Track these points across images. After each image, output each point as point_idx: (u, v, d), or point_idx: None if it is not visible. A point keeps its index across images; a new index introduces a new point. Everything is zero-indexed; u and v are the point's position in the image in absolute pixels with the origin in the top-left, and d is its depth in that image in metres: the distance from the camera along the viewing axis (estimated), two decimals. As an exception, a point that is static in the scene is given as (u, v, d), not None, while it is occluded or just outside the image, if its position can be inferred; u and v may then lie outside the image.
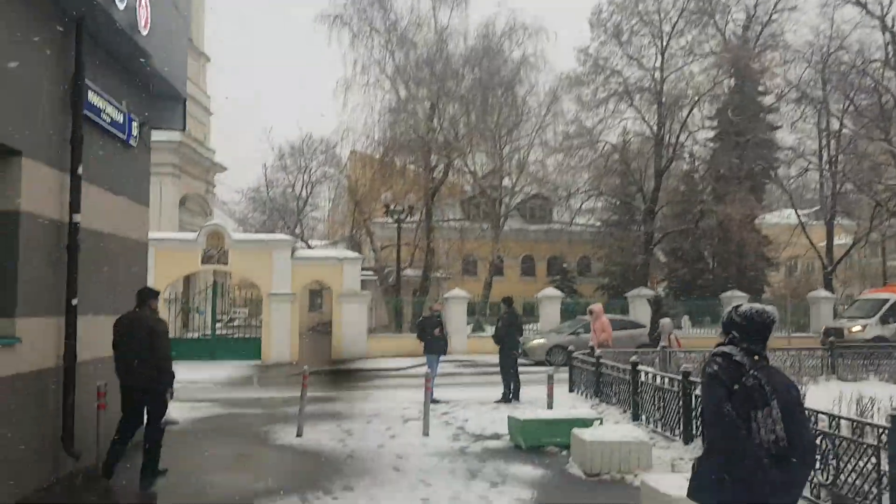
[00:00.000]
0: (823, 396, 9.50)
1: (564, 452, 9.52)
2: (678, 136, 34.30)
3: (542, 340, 24.32)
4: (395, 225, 28.74)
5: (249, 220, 48.84)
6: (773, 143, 37.35)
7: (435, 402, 12.79)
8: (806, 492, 6.39)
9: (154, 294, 8.25)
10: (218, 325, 25.20)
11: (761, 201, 36.92)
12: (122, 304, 8.44)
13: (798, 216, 34.62)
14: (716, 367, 3.62)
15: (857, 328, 25.89)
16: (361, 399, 14.97)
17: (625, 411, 11.50)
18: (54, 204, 7.65)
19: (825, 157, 34.03)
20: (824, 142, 34.15)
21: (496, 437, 10.69)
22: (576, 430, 9.04)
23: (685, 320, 31.74)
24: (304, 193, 45.15)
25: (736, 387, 3.53)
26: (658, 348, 16.27)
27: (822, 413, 6.72)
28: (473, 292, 29.39)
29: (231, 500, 7.62)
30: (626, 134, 35.91)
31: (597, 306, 17.62)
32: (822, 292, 31.25)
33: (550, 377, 12.30)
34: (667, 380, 10.26)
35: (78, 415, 7.75)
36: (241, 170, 72.28)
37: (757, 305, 3.81)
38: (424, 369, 12.97)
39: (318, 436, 10.75)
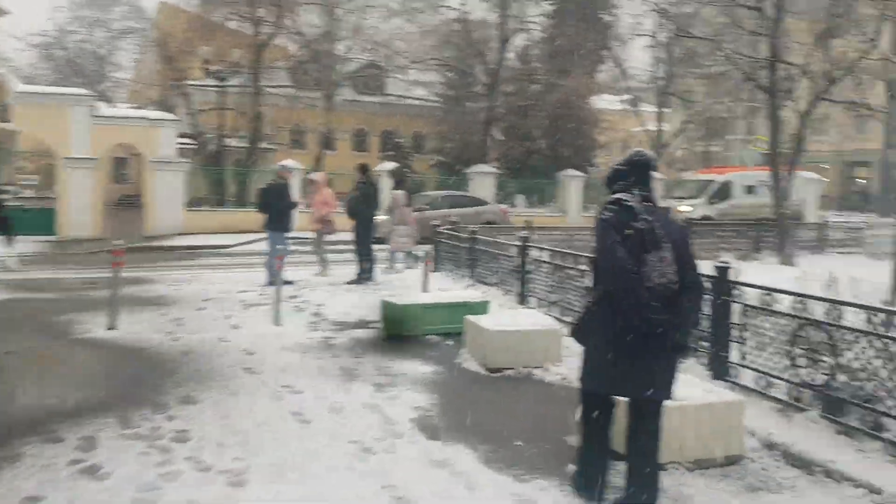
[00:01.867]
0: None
1: (450, 342, 8.04)
2: (524, 6, 32.73)
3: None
4: (216, 88, 25.21)
5: (38, 77, 42.04)
6: (610, 23, 36.96)
7: (288, 283, 10.83)
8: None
9: None
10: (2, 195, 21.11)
11: (596, 81, 36.76)
12: None
13: (633, 97, 34.71)
14: (608, 214, 3.62)
15: (685, 208, 26.53)
16: (187, 281, 12.58)
17: (507, 293, 10.16)
18: None
19: (660, 38, 33.93)
20: (661, 22, 33.91)
21: (364, 324, 8.98)
22: (470, 318, 7.52)
23: (520, 199, 31.37)
24: (103, 52, 39.29)
25: (628, 231, 3.53)
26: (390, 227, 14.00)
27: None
28: (303, 165, 26.83)
29: (21, 423, 5.36)
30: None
31: (318, 175, 14.49)
32: (653, 173, 31.74)
33: (427, 254, 10.65)
34: (559, 258, 8.93)
35: None
36: (30, 16, 62.08)
37: (637, 149, 3.89)
38: (261, 247, 10.78)
39: (137, 327, 8.50)
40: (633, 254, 3.51)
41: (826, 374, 5.02)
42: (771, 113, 15.78)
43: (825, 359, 5.04)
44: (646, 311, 3.48)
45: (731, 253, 16.64)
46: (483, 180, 27.84)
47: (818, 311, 5.27)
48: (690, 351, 5.81)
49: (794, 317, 5.34)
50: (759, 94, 19.56)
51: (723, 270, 6.03)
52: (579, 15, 34.73)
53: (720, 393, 4.92)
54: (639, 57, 36.11)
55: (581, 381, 3.93)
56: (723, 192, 27.30)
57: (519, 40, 35.57)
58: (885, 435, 4.61)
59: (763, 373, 5.61)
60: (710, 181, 27.96)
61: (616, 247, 3.51)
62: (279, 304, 8.97)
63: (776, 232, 15.94)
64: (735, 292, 5.95)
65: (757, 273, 8.68)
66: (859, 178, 51.77)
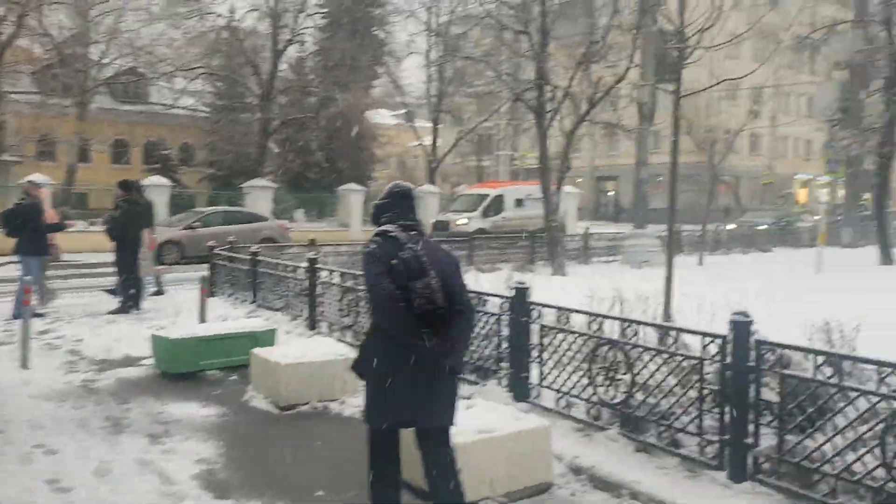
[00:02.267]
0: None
1: (235, 378, 7.36)
2: (296, 17, 32.05)
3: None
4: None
5: None
6: (384, 38, 37.44)
7: (38, 316, 9.41)
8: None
9: None
10: None
11: (372, 96, 37.00)
12: None
13: (408, 113, 35.29)
14: (373, 246, 3.68)
15: (461, 221, 27.38)
16: None
17: (296, 318, 9.58)
18: None
19: (433, 57, 34.90)
20: (433, 41, 34.92)
21: (131, 362, 7.97)
22: (257, 351, 6.90)
23: (299, 214, 30.64)
24: None
25: (394, 261, 3.57)
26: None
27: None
28: (53, 180, 24.12)
29: None
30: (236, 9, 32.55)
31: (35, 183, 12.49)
32: (429, 187, 32.48)
33: (204, 279, 9.74)
34: (350, 279, 8.55)
35: None
36: None
37: (396, 181, 4.00)
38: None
39: None
40: (399, 283, 3.54)
41: (624, 392, 5.10)
42: (539, 131, 16.59)
43: (622, 377, 5.11)
44: (416, 338, 3.52)
45: (509, 264, 17.30)
46: (260, 195, 26.79)
47: (610, 327, 5.37)
48: (463, 373, 5.71)
49: (590, 336, 5.39)
50: (530, 114, 20.63)
51: (521, 291, 5.98)
52: (352, 29, 34.80)
53: (526, 419, 4.80)
54: (413, 73, 36.76)
55: (365, 416, 3.90)
56: (496, 205, 28.53)
57: (293, 51, 34.85)
58: (682, 450, 4.73)
59: (563, 392, 5.62)
60: (484, 195, 29.11)
61: (380, 278, 3.55)
62: (27, 343, 7.71)
63: (548, 243, 16.75)
64: (533, 312, 5.91)
65: (540, 286, 8.84)
66: (609, 191, 57.06)
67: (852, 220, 24.39)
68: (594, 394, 5.33)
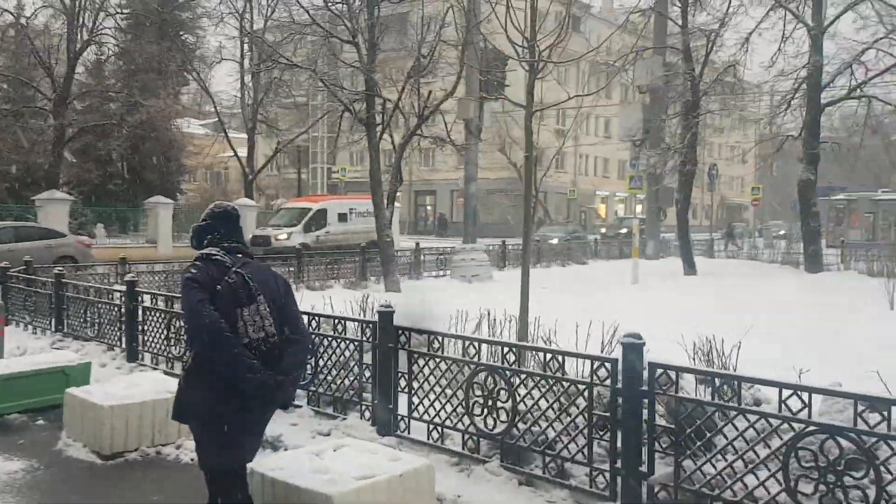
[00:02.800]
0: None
1: (42, 422, 6.29)
2: (95, 16, 29.49)
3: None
4: None
5: None
6: (194, 43, 35.51)
7: None
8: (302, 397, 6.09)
9: None
10: None
11: (180, 104, 34.91)
12: None
13: (221, 122, 33.57)
14: (193, 271, 3.37)
15: (283, 236, 26.33)
16: None
17: (112, 348, 8.43)
18: None
19: (247, 65, 33.48)
20: (247, 48, 33.51)
21: None
22: (73, 391, 5.90)
23: (100, 229, 28.06)
24: None
25: (219, 287, 3.30)
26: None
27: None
28: None
29: None
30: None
31: None
32: (245, 201, 31.04)
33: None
34: (176, 303, 7.64)
35: None
36: None
37: (216, 202, 3.72)
38: None
39: None
40: (226, 310, 3.25)
41: (504, 422, 4.77)
42: (370, 144, 16.19)
43: (503, 404, 4.79)
44: (245, 370, 3.21)
45: (340, 281, 16.71)
46: (54, 208, 24.21)
47: (488, 350, 5.05)
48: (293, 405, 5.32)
49: (467, 362, 5.03)
50: (354, 126, 20.19)
51: (386, 315, 5.51)
52: (158, 32, 32.66)
53: (405, 460, 4.33)
54: (226, 81, 35.07)
55: (199, 461, 3.55)
56: (318, 219, 27.72)
57: (91, 53, 32.06)
58: (571, 482, 4.47)
59: (437, 424, 5.20)
60: (306, 209, 28.21)
61: (203, 306, 3.22)
62: None
63: (381, 259, 16.35)
64: (401, 337, 5.46)
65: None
66: (427, 205, 57.86)
67: (654, 233, 26.18)
68: (471, 424, 4.96)
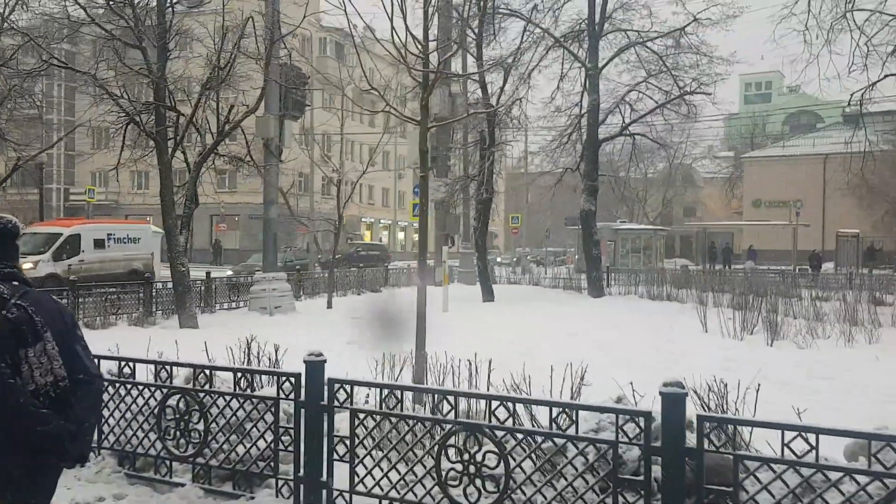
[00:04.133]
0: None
1: None
2: None
3: None
4: None
5: None
6: None
7: None
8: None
9: None
10: None
11: None
12: None
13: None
14: None
15: (27, 265, 22.75)
16: None
17: None
18: None
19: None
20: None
21: None
22: None
23: None
24: None
25: None
26: None
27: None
28: None
29: None
30: None
31: None
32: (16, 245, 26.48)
33: None
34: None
35: None
36: None
37: None
38: None
39: None
40: (6, 351, 2.73)
41: (490, 491, 4.00)
42: (160, 161, 14.38)
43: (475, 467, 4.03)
44: (31, 420, 2.72)
45: (122, 318, 14.57)
46: None
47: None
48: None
49: (440, 421, 4.20)
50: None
51: (316, 365, 4.47)
52: None
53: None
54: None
55: None
56: (70, 246, 24.40)
57: None
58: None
59: (392, 499, 4.26)
60: (56, 234, 24.70)
61: None
62: None
63: (176, 290, 14.48)
64: (339, 393, 4.47)
65: (184, 344, 7.06)
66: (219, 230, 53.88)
67: (440, 260, 26.35)
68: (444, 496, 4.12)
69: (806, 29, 18.49)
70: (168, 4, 14.42)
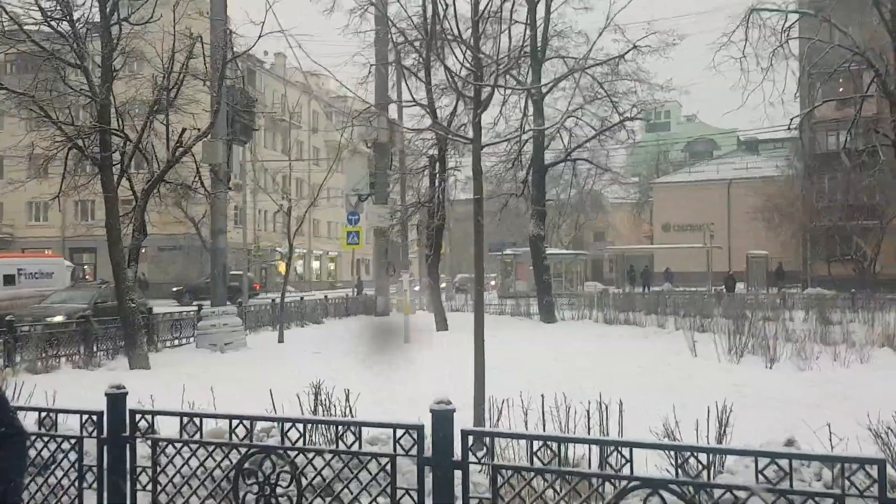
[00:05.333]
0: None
1: None
2: None
3: None
4: None
5: None
6: None
7: None
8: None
9: None
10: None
11: None
12: None
13: None
14: None
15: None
16: None
17: None
18: None
19: None
20: None
21: None
22: None
23: None
24: None
25: None
26: None
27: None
28: None
29: None
30: None
31: None
32: None
33: None
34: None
35: None
36: None
37: None
38: None
39: None
40: None
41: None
42: (106, 189, 13.21)
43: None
44: None
45: (67, 362, 13.23)
46: None
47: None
48: None
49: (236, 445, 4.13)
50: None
51: (116, 398, 4.27)
52: None
53: None
54: None
55: None
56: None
57: None
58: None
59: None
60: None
61: None
62: None
63: (124, 329, 13.25)
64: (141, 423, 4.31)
65: (139, 386, 6.33)
66: (84, 263, 50.79)
67: (383, 290, 25.67)
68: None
69: (743, 56, 19.11)
70: (114, 21, 13.35)
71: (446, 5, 6.87)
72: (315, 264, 66.63)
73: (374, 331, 19.36)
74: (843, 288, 33.30)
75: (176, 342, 16.64)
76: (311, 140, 63.30)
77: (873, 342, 13.25)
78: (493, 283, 62.42)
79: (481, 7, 6.86)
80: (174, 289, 42.39)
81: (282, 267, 61.19)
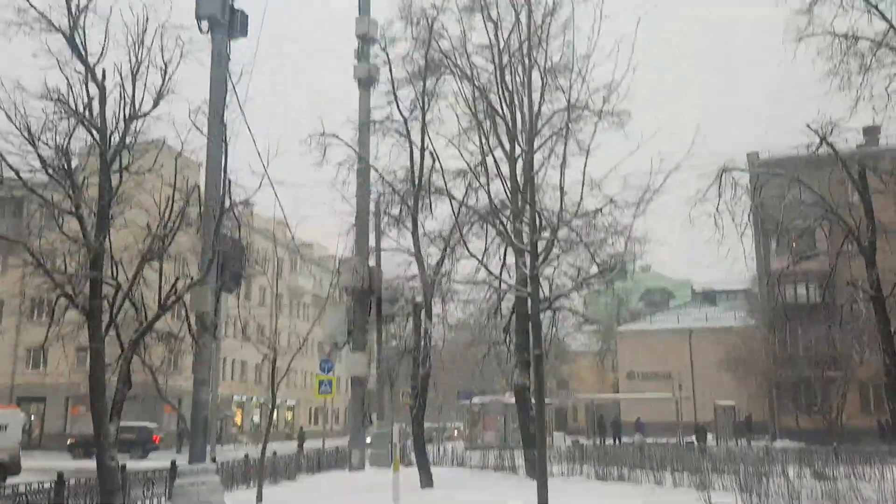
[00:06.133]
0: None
1: None
2: None
3: None
4: None
5: None
6: None
7: None
8: None
9: None
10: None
11: None
12: None
13: None
14: None
15: None
16: None
17: None
18: None
19: None
20: None
21: None
22: None
23: None
24: None
25: None
26: None
27: None
28: None
29: None
30: None
31: None
32: None
33: None
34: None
35: None
36: None
37: None
38: None
39: None
40: None
41: None
42: (93, 338, 12.68)
43: None
44: None
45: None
46: None
47: None
48: None
49: None
50: None
51: None
52: None
53: None
54: None
55: None
56: None
57: None
58: None
59: None
60: None
61: None
62: None
63: (102, 490, 12.32)
64: None
65: None
66: (31, 413, 48.14)
67: (359, 442, 24.70)
68: None
69: (717, 211, 19.81)
70: (115, 169, 13.36)
71: (433, 160, 6.98)
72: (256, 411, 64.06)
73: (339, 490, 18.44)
74: (812, 440, 33.24)
75: (148, 502, 15.52)
76: (276, 286, 63.08)
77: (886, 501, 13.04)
78: (456, 432, 60.81)
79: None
80: (68, 441, 38.20)
81: (237, 418, 59.16)
